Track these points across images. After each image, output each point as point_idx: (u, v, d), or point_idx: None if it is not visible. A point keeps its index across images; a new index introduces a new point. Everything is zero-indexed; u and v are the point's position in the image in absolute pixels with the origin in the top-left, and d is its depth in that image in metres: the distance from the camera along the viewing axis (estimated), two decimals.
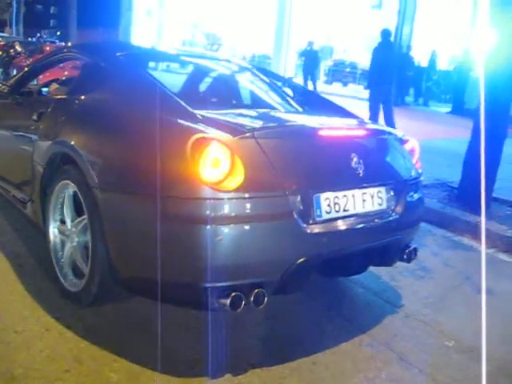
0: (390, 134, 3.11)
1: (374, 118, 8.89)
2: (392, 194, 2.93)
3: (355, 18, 20.35)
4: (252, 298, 2.37)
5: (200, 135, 2.33)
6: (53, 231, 3.05)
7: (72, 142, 2.81)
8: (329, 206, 2.59)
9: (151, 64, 3.61)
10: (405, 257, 3.07)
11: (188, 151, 2.28)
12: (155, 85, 2.89)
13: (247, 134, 2.42)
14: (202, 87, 3.78)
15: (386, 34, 9.06)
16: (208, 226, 2.25)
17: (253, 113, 3.19)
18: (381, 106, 9.20)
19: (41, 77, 4.22)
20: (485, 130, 5.51)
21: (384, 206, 2.87)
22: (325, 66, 21.21)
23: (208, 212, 2.25)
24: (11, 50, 14.81)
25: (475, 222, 5.18)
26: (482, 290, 3.78)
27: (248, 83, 3.89)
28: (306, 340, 2.88)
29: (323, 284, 3.48)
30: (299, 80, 17.20)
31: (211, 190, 2.25)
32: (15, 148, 3.56)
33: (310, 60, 17.04)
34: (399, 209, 2.94)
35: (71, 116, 3.05)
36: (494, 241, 4.97)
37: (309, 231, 2.47)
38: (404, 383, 2.62)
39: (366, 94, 18.38)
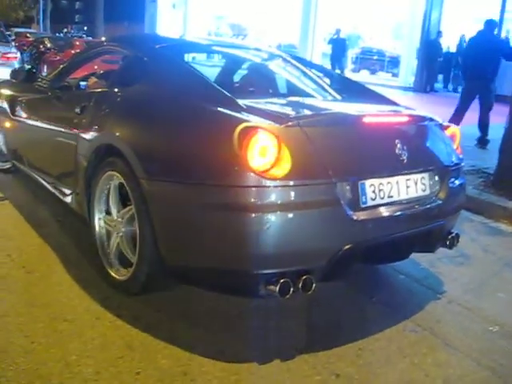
0: (431, 119, 3.09)
1: (457, 115, 8.07)
2: (435, 179, 2.92)
3: (382, 4, 20.10)
4: (300, 285, 2.39)
5: (247, 124, 2.35)
6: (98, 222, 3.11)
7: (117, 134, 2.85)
8: (374, 192, 2.60)
9: (189, 55, 3.64)
10: (447, 243, 3.06)
11: (235, 140, 2.31)
12: (197, 75, 2.93)
13: (293, 123, 2.44)
14: (240, 76, 3.80)
15: (491, 24, 8.06)
16: (257, 214, 2.28)
17: (293, 101, 3.20)
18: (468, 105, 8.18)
19: (78, 71, 4.27)
20: None
21: (427, 192, 2.87)
22: (352, 53, 21.05)
23: (256, 200, 2.28)
24: (41, 46, 15.02)
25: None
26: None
27: (284, 71, 3.89)
28: (351, 326, 2.90)
29: (365, 271, 3.48)
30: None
31: (259, 178, 2.28)
32: (58, 141, 3.63)
33: (338, 48, 16.93)
34: (442, 195, 2.93)
35: (115, 108, 3.10)
36: None
37: (354, 218, 2.48)
38: (450, 368, 2.62)
39: (394, 81, 18.34)
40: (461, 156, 3.23)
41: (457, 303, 3.26)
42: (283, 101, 3.18)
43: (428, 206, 2.85)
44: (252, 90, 3.44)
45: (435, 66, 16.49)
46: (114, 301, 2.88)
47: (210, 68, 3.98)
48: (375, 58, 20.74)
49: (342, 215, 2.45)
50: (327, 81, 3.78)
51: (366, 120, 2.69)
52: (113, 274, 2.98)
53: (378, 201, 2.62)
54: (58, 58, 12.95)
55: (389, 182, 2.68)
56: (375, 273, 3.56)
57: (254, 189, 2.28)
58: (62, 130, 3.58)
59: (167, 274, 2.70)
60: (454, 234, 3.08)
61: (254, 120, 2.42)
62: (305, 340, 2.72)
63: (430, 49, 16.14)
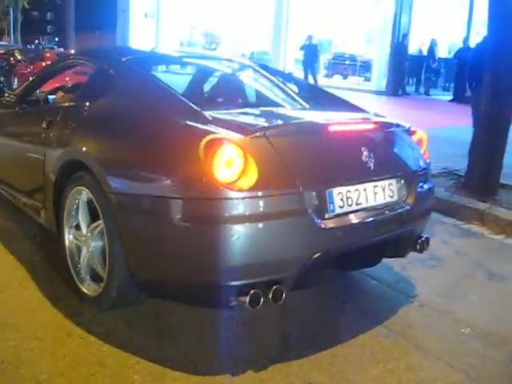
0: (397, 125, 3.13)
1: None
2: (402, 185, 2.96)
3: (353, 9, 20.32)
4: (271, 295, 2.40)
5: (212, 136, 2.36)
6: (68, 237, 3.09)
7: (84, 149, 2.84)
8: (341, 200, 2.62)
9: (156, 67, 3.64)
10: (417, 247, 3.10)
11: (201, 153, 2.31)
12: (163, 88, 2.93)
13: (258, 133, 2.45)
14: (207, 87, 3.81)
15: None
16: (224, 226, 2.28)
17: (260, 111, 3.22)
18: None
19: (46, 85, 4.24)
20: (488, 117, 5.54)
21: (395, 198, 2.90)
22: (324, 59, 21.22)
23: (223, 212, 2.29)
24: (11, 59, 14.86)
25: (483, 209, 5.20)
26: (493, 277, 3.83)
27: (252, 81, 3.91)
28: (324, 334, 2.92)
29: (337, 277, 3.51)
30: (299, 74, 17.20)
31: (225, 190, 2.28)
32: (25, 156, 3.59)
33: (310, 54, 17.05)
34: (410, 200, 2.97)
35: (81, 123, 3.08)
36: (502, 227, 5.00)
37: (323, 226, 2.50)
38: (422, 371, 2.65)
39: (366, 85, 18.51)
40: (428, 160, 3.27)
41: (429, 306, 3.30)
42: (251, 111, 3.19)
43: (396, 212, 2.88)
44: (220, 100, 3.45)
45: (404, 69, 16.70)
46: (85, 316, 2.85)
47: (180, 78, 3.97)
48: (347, 62, 20.96)
49: (310, 224, 2.47)
50: (296, 89, 3.80)
51: (333, 128, 2.72)
52: (84, 289, 2.96)
53: (346, 208, 2.64)
54: (29, 70, 12.85)
55: (356, 190, 2.71)
56: (347, 278, 3.58)
57: (220, 201, 2.29)
58: (30, 145, 3.55)
59: (138, 288, 2.69)
60: (423, 238, 3.11)
61: (220, 132, 2.43)
62: (277, 349, 2.73)
63: (397, 52, 16.36)
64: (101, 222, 2.74)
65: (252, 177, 2.32)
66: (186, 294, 2.57)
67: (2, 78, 14.48)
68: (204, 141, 2.34)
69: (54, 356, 2.52)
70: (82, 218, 2.97)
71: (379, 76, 17.93)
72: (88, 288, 2.94)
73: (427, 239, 3.14)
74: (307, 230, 2.47)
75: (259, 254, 2.37)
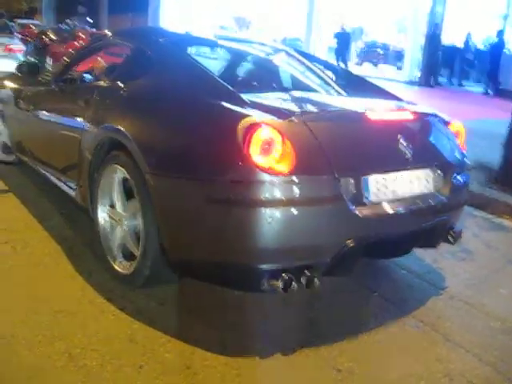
0: (435, 116, 3.09)
1: None
2: (438, 175, 2.92)
3: None
4: (303, 280, 2.41)
5: (250, 119, 2.36)
6: (102, 215, 3.13)
7: (121, 128, 2.86)
8: (377, 188, 2.61)
9: (192, 49, 3.63)
10: (450, 238, 3.07)
11: (239, 135, 2.31)
12: (201, 69, 2.93)
13: (296, 118, 2.44)
14: (243, 71, 3.81)
15: None
16: (260, 209, 2.29)
17: (297, 96, 3.20)
18: None
19: (83, 64, 4.27)
20: None
21: (431, 188, 2.87)
22: (356, 47, 21.00)
23: (260, 195, 2.29)
24: (45, 38, 15.01)
25: None
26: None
27: (289, 66, 3.88)
28: (352, 321, 2.92)
29: (367, 265, 3.49)
30: (331, 61, 17.07)
31: (263, 174, 2.28)
32: (62, 134, 3.64)
33: (342, 42, 16.92)
34: (445, 190, 2.94)
35: (119, 102, 3.11)
36: None
37: (358, 214, 2.49)
38: (451, 363, 2.63)
39: (398, 75, 18.26)
40: (464, 152, 3.23)
41: (458, 299, 3.27)
42: (287, 95, 3.18)
43: (431, 202, 2.85)
44: (256, 84, 3.44)
45: (437, 60, 16.44)
46: (117, 293, 2.90)
47: (213, 61, 3.96)
48: (379, 51, 20.71)
49: (345, 211, 2.46)
50: (331, 75, 3.77)
51: (370, 116, 2.69)
52: (116, 267, 3.00)
53: (382, 197, 2.63)
54: (62, 49, 12.96)
55: (392, 178, 2.69)
56: (377, 267, 3.57)
57: (257, 184, 2.29)
58: (66, 123, 3.60)
59: (171, 267, 2.72)
60: (456, 230, 3.08)
61: (258, 115, 2.43)
62: (306, 334, 2.73)
63: (431, 42, 16.11)
64: (136, 201, 2.77)
65: (289, 161, 2.31)
66: (219, 275, 2.59)
67: (36, 57, 14.67)
68: (242, 123, 2.34)
69: (87, 331, 2.56)
70: (117, 197, 3.01)
71: (411, 65, 17.65)
72: (120, 265, 2.99)
73: (460, 231, 3.11)
74: (342, 216, 2.47)
75: (293, 238, 2.37)
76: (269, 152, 2.30)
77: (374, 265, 3.57)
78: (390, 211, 2.65)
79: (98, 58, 4.33)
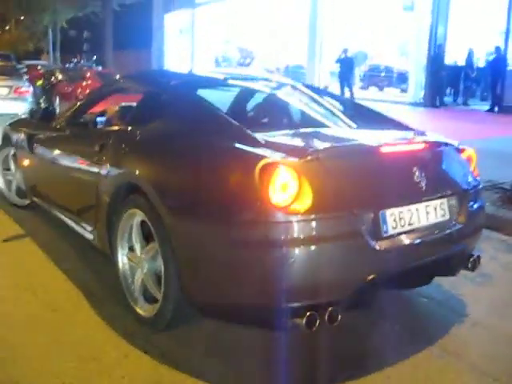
0: (446, 144, 3.11)
1: None
2: (454, 204, 2.94)
3: (387, 21, 20.26)
4: (326, 317, 2.41)
5: (267, 160, 2.39)
6: (122, 258, 3.15)
7: (137, 172, 2.91)
8: (394, 221, 2.62)
9: (203, 90, 3.69)
10: (469, 265, 3.07)
11: (256, 177, 2.35)
12: (214, 111, 2.98)
13: (312, 157, 2.47)
14: (254, 109, 3.85)
15: None
16: (281, 249, 2.31)
17: (310, 132, 3.24)
18: None
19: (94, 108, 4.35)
20: None
21: (447, 217, 2.88)
22: (360, 71, 21.18)
23: (279, 235, 2.31)
24: (52, 78, 15.25)
25: None
26: None
27: (297, 101, 3.93)
28: (376, 354, 2.90)
29: (386, 295, 3.48)
30: (335, 87, 17.20)
31: (281, 214, 2.31)
32: (78, 178, 3.69)
33: (346, 67, 17.06)
34: (462, 218, 2.95)
35: (134, 146, 3.16)
36: None
37: (377, 248, 2.51)
38: None
39: (403, 97, 18.36)
40: (478, 178, 3.24)
41: (481, 326, 3.25)
42: (300, 132, 3.21)
43: (448, 231, 2.87)
44: (266, 121, 3.49)
45: (441, 80, 16.54)
46: (140, 336, 2.90)
47: (224, 100, 4.02)
48: (383, 74, 20.88)
49: (365, 246, 2.47)
50: (339, 107, 3.81)
51: (384, 149, 2.72)
52: (138, 310, 3.01)
53: (399, 229, 2.64)
54: (70, 89, 13.15)
55: (409, 210, 2.71)
56: (397, 297, 3.55)
57: (277, 224, 2.32)
58: (82, 167, 3.65)
59: (194, 309, 2.73)
60: (475, 256, 3.08)
61: (274, 156, 2.46)
62: (330, 369, 2.72)
63: (434, 63, 16.23)
64: (155, 244, 2.80)
65: (307, 200, 2.34)
66: (242, 315, 2.60)
67: (44, 98, 14.88)
68: (259, 165, 2.37)
69: (113, 377, 2.57)
70: (136, 240, 3.04)
71: (416, 87, 17.77)
72: (142, 309, 3.00)
73: (478, 257, 3.11)
74: (362, 251, 2.48)
75: (315, 276, 2.39)
76: (286, 192, 2.33)
77: (393, 293, 3.55)
78: (408, 243, 2.66)
79: (110, 103, 4.40)
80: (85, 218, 3.68)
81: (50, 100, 14.22)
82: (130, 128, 3.31)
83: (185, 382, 2.54)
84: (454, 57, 17.75)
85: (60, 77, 14.93)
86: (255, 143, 2.60)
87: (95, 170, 3.40)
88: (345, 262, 2.45)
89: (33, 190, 4.72)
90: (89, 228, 3.61)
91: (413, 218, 2.71)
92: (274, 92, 4.00)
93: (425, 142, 3.03)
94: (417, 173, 2.75)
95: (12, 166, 5.20)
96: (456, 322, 3.29)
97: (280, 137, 2.85)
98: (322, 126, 3.46)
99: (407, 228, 2.68)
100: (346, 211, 2.44)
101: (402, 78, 19.75)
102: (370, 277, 2.50)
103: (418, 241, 2.70)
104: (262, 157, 2.44)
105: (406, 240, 2.66)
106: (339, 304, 2.47)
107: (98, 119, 4.23)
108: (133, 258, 3.08)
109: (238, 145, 2.60)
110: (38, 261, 4.00)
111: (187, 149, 2.80)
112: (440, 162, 3.02)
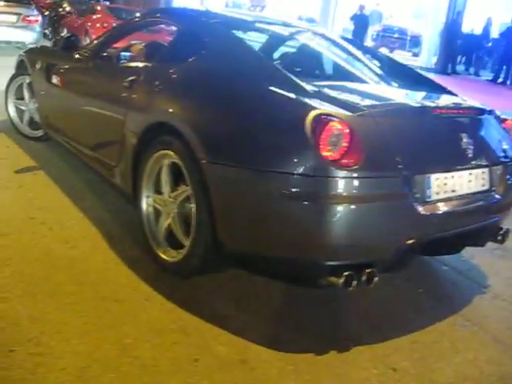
0: (490, 112, 3.00)
1: None
2: (494, 174, 2.85)
3: None
4: (364, 277, 2.35)
5: (320, 111, 2.27)
6: (146, 200, 3.05)
7: (176, 112, 2.77)
8: (438, 186, 2.54)
9: (241, 32, 3.51)
10: (499, 238, 3.01)
11: (307, 128, 2.23)
12: (259, 55, 2.85)
13: (365, 112, 2.36)
14: (290, 56, 3.68)
15: None
16: (326, 204, 2.21)
17: (357, 87, 3.10)
18: None
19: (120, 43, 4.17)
20: None
21: (487, 187, 2.80)
22: (373, 31, 20.71)
23: (326, 190, 2.21)
24: (60, 9, 14.77)
25: None
26: None
27: (335, 53, 3.76)
28: (402, 318, 2.87)
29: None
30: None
31: (330, 168, 2.20)
32: (100, 114, 3.55)
33: (360, 24, 16.64)
34: (500, 190, 2.87)
35: (172, 84, 3.00)
36: None
37: (420, 212, 2.42)
38: (503, 365, 2.59)
39: (415, 61, 18.03)
40: None
41: (502, 298, 3.22)
42: (344, 86, 3.06)
43: (487, 201, 2.79)
44: (306, 71, 3.34)
45: (456, 48, 16.23)
46: (162, 282, 2.84)
47: (268, 47, 3.85)
48: (396, 36, 20.44)
49: (409, 209, 2.39)
50: (380, 65, 3.65)
51: (434, 112, 2.63)
52: (161, 254, 2.93)
53: (442, 195, 2.55)
54: (79, 22, 12.74)
55: (452, 176, 2.62)
56: (418, 261, 3.50)
57: (325, 179, 2.21)
58: (107, 102, 3.50)
59: (223, 258, 2.65)
60: (505, 230, 3.02)
61: (326, 107, 2.34)
62: (358, 331, 2.68)
63: (450, 29, 15.88)
64: (187, 188, 2.70)
65: (358, 156, 2.24)
66: (278, 268, 2.53)
67: (50, 29, 14.45)
68: (311, 116, 2.25)
69: (136, 320, 2.51)
70: (165, 183, 2.92)
71: (429, 52, 17.43)
72: (165, 253, 2.92)
73: (508, 230, 3.05)
74: (405, 214, 2.40)
75: (359, 235, 2.31)
76: (338, 146, 2.22)
77: (416, 259, 3.50)
78: (450, 210, 2.58)
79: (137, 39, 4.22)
80: (106, 155, 3.55)
81: (56, 30, 13.81)
82: (166, 65, 3.14)
83: (210, 332, 2.48)
84: (471, 25, 17.36)
85: (68, 8, 14.44)
86: (303, 92, 2.48)
87: (123, 106, 3.25)
88: (389, 223, 2.37)
89: (48, 122, 4.57)
90: (109, 166, 3.49)
91: (456, 185, 2.63)
92: (310, 41, 3.84)
93: (471, 107, 2.93)
94: (463, 139, 2.66)
95: (26, 96, 5.01)
96: (477, 292, 3.26)
97: (327, 88, 2.71)
98: (364, 81, 3.31)
99: (450, 195, 2.59)
100: (394, 172, 2.35)
101: (415, 42, 19.39)
102: (411, 240, 2.43)
103: (458, 208, 2.63)
104: (314, 107, 2.32)
105: (447, 206, 2.57)
106: (377, 265, 2.40)
107: (125, 54, 4.07)
108: (159, 201, 2.98)
109: (286, 92, 2.47)
110: (52, 196, 3.89)
111: (232, 91, 2.66)
112: (484, 130, 2.91)
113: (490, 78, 15.51)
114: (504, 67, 15.07)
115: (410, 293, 3.14)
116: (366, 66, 3.63)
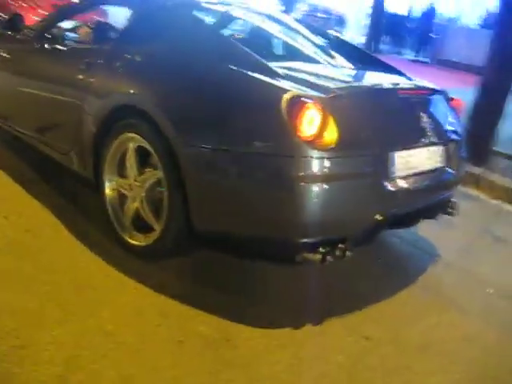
0: (441, 92, 3.16)
1: None
2: (448, 151, 3.01)
3: None
4: (337, 252, 2.44)
5: (295, 93, 2.33)
6: (110, 185, 3.01)
7: (144, 95, 2.73)
8: (401, 163, 2.66)
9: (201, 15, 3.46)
10: (450, 210, 3.20)
11: (283, 109, 2.28)
12: (225, 37, 2.85)
13: (337, 94, 2.44)
14: (246, 39, 3.68)
15: None
16: (304, 184, 2.28)
17: (321, 68, 3.17)
18: None
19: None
20: (490, 85, 5.70)
21: (443, 164, 2.96)
22: (300, 11, 20.83)
23: (303, 169, 2.28)
24: None
25: (479, 174, 5.39)
26: (499, 240, 4.01)
27: (291, 34, 3.73)
28: (366, 290, 3.01)
29: None
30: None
31: (307, 148, 2.27)
32: (52, 98, 3.42)
33: (287, 5, 16.69)
34: (453, 165, 3.04)
35: (135, 67, 2.95)
36: (498, 192, 5.21)
37: (388, 188, 2.55)
38: (464, 327, 2.80)
39: None
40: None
41: (453, 267, 3.44)
42: (306, 67, 3.09)
43: (443, 177, 2.96)
44: (267, 52, 3.35)
45: (379, 27, 16.68)
46: (131, 266, 2.81)
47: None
48: (320, 15, 20.68)
49: (379, 186, 2.51)
50: (333, 46, 3.70)
51: (397, 93, 2.76)
52: (128, 239, 2.91)
53: (405, 172, 2.68)
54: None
55: (413, 154, 2.75)
56: None
57: (301, 158, 2.28)
58: (59, 85, 3.39)
59: (195, 239, 2.67)
60: (454, 202, 3.21)
61: (298, 89, 2.40)
62: (328, 303, 2.79)
63: (376, 9, 16.31)
64: (156, 172, 2.69)
65: (332, 136, 2.32)
66: (252, 248, 2.58)
67: None
68: (286, 97, 2.30)
69: (114, 305, 2.49)
70: (131, 167, 2.88)
71: (355, 31, 17.76)
72: (133, 238, 2.90)
73: (456, 203, 3.24)
74: (375, 191, 2.52)
75: (333, 212, 2.39)
76: (313, 127, 2.28)
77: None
78: (413, 185, 2.71)
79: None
80: (60, 139, 3.45)
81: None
82: (125, 47, 3.07)
83: (189, 313, 2.50)
84: (395, 6, 17.87)
85: None
86: (273, 74, 2.52)
87: (79, 89, 3.16)
88: (360, 199, 2.48)
89: None
90: (64, 151, 3.39)
91: (417, 162, 2.76)
92: (262, 23, 3.85)
93: (426, 88, 3.07)
94: (420, 118, 2.80)
95: None
96: (430, 262, 3.47)
97: (291, 70, 2.75)
98: (322, 62, 3.37)
99: (412, 171, 2.73)
100: (365, 151, 2.46)
101: (339, 21, 19.69)
102: (380, 215, 2.54)
103: (419, 184, 2.76)
104: (286, 89, 2.37)
105: (410, 183, 2.70)
106: (349, 240, 2.50)
107: (71, 35, 3.93)
108: (124, 186, 2.94)
109: (257, 74, 2.50)
110: (3, 184, 3.71)
111: (200, 74, 2.65)
112: (438, 109, 3.06)
113: (412, 58, 16.08)
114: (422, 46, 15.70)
115: (370, 265, 3.28)
116: (319, 46, 3.69)
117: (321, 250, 2.40)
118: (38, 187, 3.69)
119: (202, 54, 2.76)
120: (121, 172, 2.98)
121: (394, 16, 17.41)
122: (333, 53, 3.57)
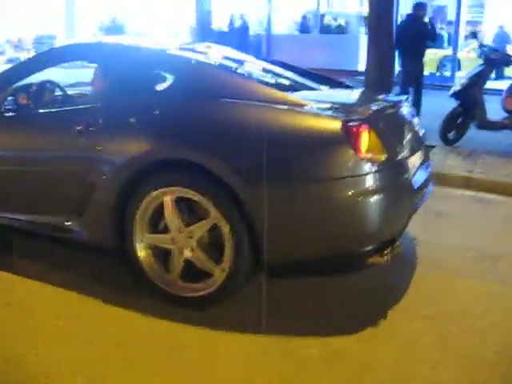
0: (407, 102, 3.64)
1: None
2: (424, 156, 3.49)
3: None
4: (395, 251, 2.84)
5: (343, 119, 2.64)
6: (143, 244, 2.95)
7: (199, 148, 2.77)
8: (410, 168, 3.09)
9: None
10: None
11: (341, 136, 2.60)
12: (238, 74, 3.27)
13: (369, 113, 2.87)
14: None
15: (417, 7, 7.81)
16: (366, 198, 2.62)
17: (333, 93, 3.57)
18: None
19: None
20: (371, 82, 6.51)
21: (423, 167, 3.41)
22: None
23: (365, 185, 2.62)
24: None
25: None
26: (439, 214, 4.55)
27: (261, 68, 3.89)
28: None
29: None
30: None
31: (367, 165, 2.62)
32: (42, 170, 3.26)
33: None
34: (428, 167, 3.54)
35: (159, 120, 2.93)
36: None
37: (413, 187, 3.05)
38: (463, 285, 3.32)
39: None
40: None
41: (417, 240, 3.93)
42: (313, 94, 3.36)
43: (426, 178, 3.40)
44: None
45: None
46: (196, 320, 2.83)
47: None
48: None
49: (411, 191, 3.00)
50: (293, 72, 3.79)
51: (398, 110, 3.27)
52: (180, 293, 2.92)
53: (412, 176, 3.11)
54: None
55: (412, 161, 3.17)
56: None
57: (364, 175, 2.62)
58: (55, 152, 3.22)
59: (267, 272, 2.78)
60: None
61: (340, 115, 2.73)
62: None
63: (202, 29, 16.82)
64: (205, 221, 2.78)
65: (382, 150, 2.71)
66: (322, 266, 2.82)
67: None
68: (338, 125, 2.61)
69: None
70: (171, 220, 2.85)
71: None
72: (185, 291, 2.93)
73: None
74: (411, 194, 2.99)
75: (387, 218, 2.77)
76: (368, 145, 2.64)
77: None
78: (416, 188, 3.13)
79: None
80: (57, 210, 3.23)
81: None
82: (125, 103, 3.05)
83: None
84: (220, 23, 18.43)
85: None
86: (299, 105, 2.79)
87: (82, 152, 3.05)
88: (403, 202, 2.93)
89: None
90: (63, 220, 3.19)
91: (414, 168, 3.19)
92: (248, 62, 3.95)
93: (400, 100, 3.53)
94: (410, 129, 3.33)
95: None
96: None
97: (308, 99, 2.95)
98: (312, 88, 3.60)
99: (414, 175, 3.15)
100: (401, 160, 2.93)
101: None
102: (412, 212, 3.03)
103: (420, 185, 3.21)
104: (333, 117, 2.70)
105: (417, 184, 3.14)
106: (397, 239, 2.90)
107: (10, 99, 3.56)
108: (165, 240, 2.91)
109: (291, 108, 2.75)
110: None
111: (251, 119, 2.74)
112: (412, 120, 3.52)
113: None
114: None
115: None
116: (282, 75, 3.75)
117: (385, 252, 2.75)
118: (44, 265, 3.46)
119: (220, 97, 2.88)
120: (150, 228, 2.95)
121: (219, 33, 17.93)
122: (300, 78, 3.75)
